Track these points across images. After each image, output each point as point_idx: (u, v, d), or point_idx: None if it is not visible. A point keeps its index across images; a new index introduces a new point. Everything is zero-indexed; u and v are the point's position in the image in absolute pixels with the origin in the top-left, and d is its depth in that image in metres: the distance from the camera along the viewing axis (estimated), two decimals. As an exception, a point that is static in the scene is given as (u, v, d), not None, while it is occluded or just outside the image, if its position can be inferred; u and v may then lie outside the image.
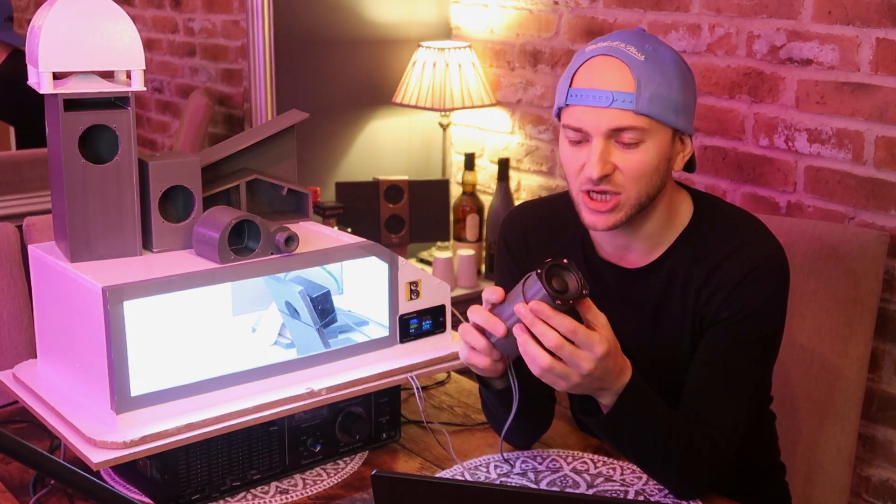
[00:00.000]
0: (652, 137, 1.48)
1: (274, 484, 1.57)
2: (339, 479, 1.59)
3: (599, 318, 1.37)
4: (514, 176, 3.10)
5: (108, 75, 1.52)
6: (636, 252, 1.59)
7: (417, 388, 1.62)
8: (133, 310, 1.45)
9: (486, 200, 3.12)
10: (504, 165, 2.98)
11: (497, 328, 1.37)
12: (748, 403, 1.53)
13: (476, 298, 2.99)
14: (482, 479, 1.57)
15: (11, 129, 3.51)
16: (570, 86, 1.50)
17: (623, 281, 1.60)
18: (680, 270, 1.56)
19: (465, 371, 1.69)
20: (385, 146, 3.24)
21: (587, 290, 1.34)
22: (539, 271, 1.33)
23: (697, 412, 1.50)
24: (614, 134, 1.47)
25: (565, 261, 1.35)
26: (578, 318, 1.36)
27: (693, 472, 1.48)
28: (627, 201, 1.49)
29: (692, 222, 1.58)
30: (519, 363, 1.47)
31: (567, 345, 1.33)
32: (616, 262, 1.61)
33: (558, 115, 1.56)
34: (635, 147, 1.48)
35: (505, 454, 1.64)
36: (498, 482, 1.55)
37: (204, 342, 1.69)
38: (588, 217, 1.52)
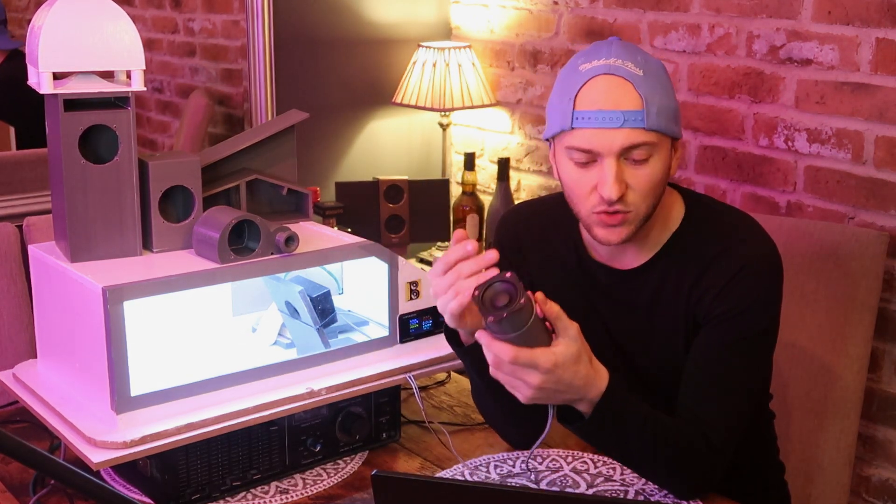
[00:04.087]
0: (658, 151, 1.48)
1: (274, 484, 1.57)
2: (339, 479, 1.59)
3: (569, 329, 1.36)
4: (514, 176, 3.10)
5: (108, 75, 1.52)
6: (629, 254, 1.59)
7: (416, 389, 1.62)
8: (133, 310, 1.45)
9: (486, 200, 3.12)
10: (504, 165, 2.98)
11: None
12: (743, 401, 1.53)
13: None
14: (482, 479, 1.57)
15: (11, 129, 3.52)
16: (573, 108, 1.48)
17: (616, 282, 1.61)
18: (672, 270, 1.56)
19: (465, 371, 1.69)
20: (385, 146, 3.24)
21: (522, 296, 1.31)
22: (476, 293, 1.32)
23: (692, 411, 1.50)
24: (625, 152, 1.47)
25: (508, 274, 1.33)
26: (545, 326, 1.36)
27: (688, 472, 1.48)
28: (636, 217, 1.50)
29: (684, 223, 1.58)
30: None
31: (504, 365, 1.34)
32: (609, 264, 1.61)
33: (551, 139, 1.54)
34: (644, 163, 1.48)
35: (505, 454, 1.64)
36: (498, 482, 1.55)
37: (204, 342, 1.69)
38: (602, 233, 1.51)
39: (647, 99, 1.45)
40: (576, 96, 1.48)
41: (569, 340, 1.36)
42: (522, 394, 1.37)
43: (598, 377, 1.40)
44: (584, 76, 1.48)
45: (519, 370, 1.34)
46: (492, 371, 1.37)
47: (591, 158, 1.48)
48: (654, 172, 1.48)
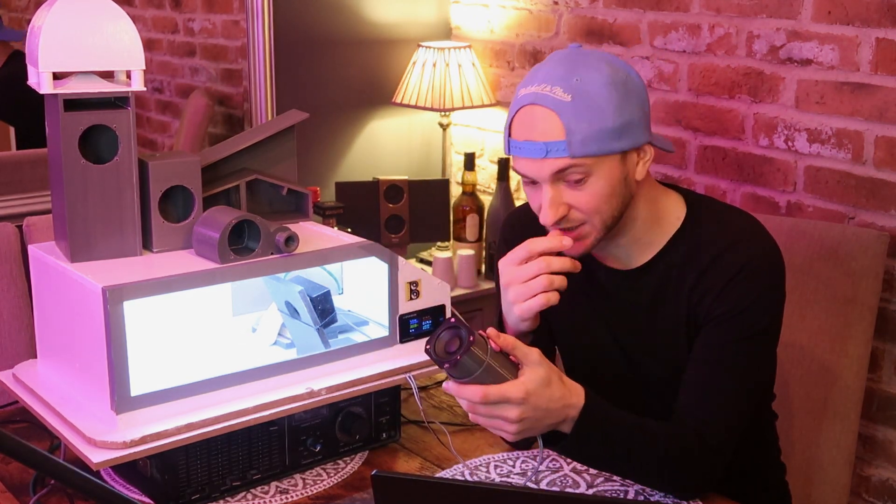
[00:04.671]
0: (597, 171, 1.47)
1: (274, 484, 1.57)
2: (339, 479, 1.59)
3: (530, 355, 1.36)
4: (513, 176, 3.10)
5: (108, 75, 1.52)
6: (627, 255, 1.59)
7: (415, 389, 1.62)
8: (133, 310, 1.45)
9: (486, 200, 3.12)
10: (504, 165, 2.98)
11: None
12: (743, 400, 1.53)
13: (476, 298, 2.99)
14: (482, 479, 1.57)
15: (11, 130, 3.51)
16: (509, 136, 1.50)
17: (617, 282, 1.61)
18: (673, 270, 1.56)
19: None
20: (385, 146, 3.24)
21: (470, 333, 1.31)
22: (428, 348, 1.34)
23: (691, 410, 1.50)
24: (559, 175, 1.47)
25: (452, 319, 1.35)
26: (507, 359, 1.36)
27: (684, 474, 1.48)
28: (593, 229, 1.50)
29: (684, 223, 1.58)
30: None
31: (478, 407, 1.35)
32: (609, 264, 1.61)
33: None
34: (583, 184, 1.47)
35: (505, 454, 1.64)
36: (498, 482, 1.55)
37: (204, 342, 1.69)
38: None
39: (570, 128, 1.44)
40: (510, 125, 1.51)
41: (533, 366, 1.36)
42: (506, 431, 1.37)
43: (574, 395, 1.39)
44: (518, 104, 1.50)
45: (494, 409, 1.34)
46: (471, 417, 1.38)
47: (532, 180, 1.50)
48: (593, 192, 1.47)
